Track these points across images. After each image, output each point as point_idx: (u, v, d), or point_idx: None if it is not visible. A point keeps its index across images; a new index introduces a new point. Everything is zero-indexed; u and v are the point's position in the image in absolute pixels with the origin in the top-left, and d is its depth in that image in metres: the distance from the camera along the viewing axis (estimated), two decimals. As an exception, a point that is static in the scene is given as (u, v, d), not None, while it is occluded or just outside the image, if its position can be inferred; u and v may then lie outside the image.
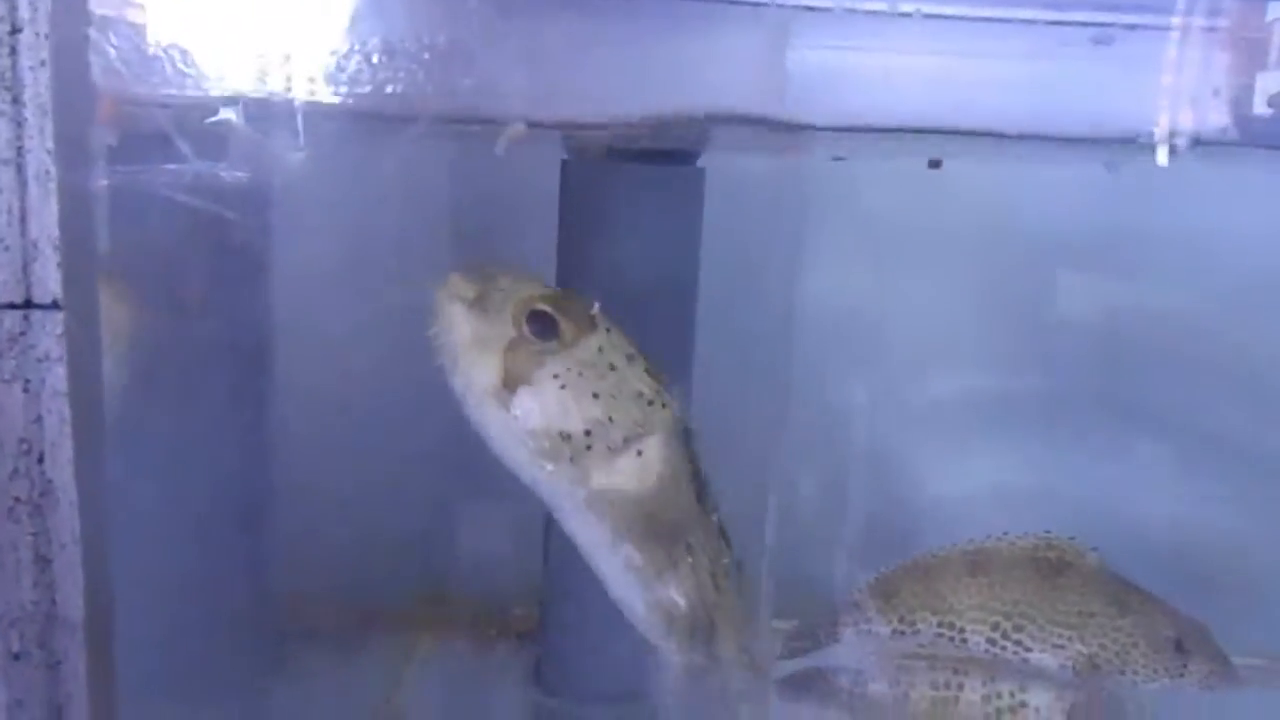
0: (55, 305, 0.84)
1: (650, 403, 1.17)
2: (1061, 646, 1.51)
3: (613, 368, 1.15)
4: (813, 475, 1.88)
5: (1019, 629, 1.53)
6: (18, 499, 0.88)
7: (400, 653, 1.83)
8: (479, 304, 1.12)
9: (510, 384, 1.12)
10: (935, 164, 1.52)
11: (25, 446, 0.87)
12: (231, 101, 1.04)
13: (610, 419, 1.14)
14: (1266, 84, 1.24)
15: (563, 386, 1.13)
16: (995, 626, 1.53)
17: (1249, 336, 1.90)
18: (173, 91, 0.92)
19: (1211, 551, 1.95)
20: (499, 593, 1.91)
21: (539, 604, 1.80)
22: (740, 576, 1.31)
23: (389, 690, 1.75)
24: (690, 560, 1.24)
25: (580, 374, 1.13)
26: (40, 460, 0.87)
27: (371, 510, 1.78)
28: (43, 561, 0.89)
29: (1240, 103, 1.28)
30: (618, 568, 1.23)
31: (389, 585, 1.81)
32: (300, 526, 1.65)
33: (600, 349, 1.15)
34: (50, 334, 0.85)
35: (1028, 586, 1.55)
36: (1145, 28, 1.35)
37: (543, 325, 1.13)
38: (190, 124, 1.03)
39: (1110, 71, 1.34)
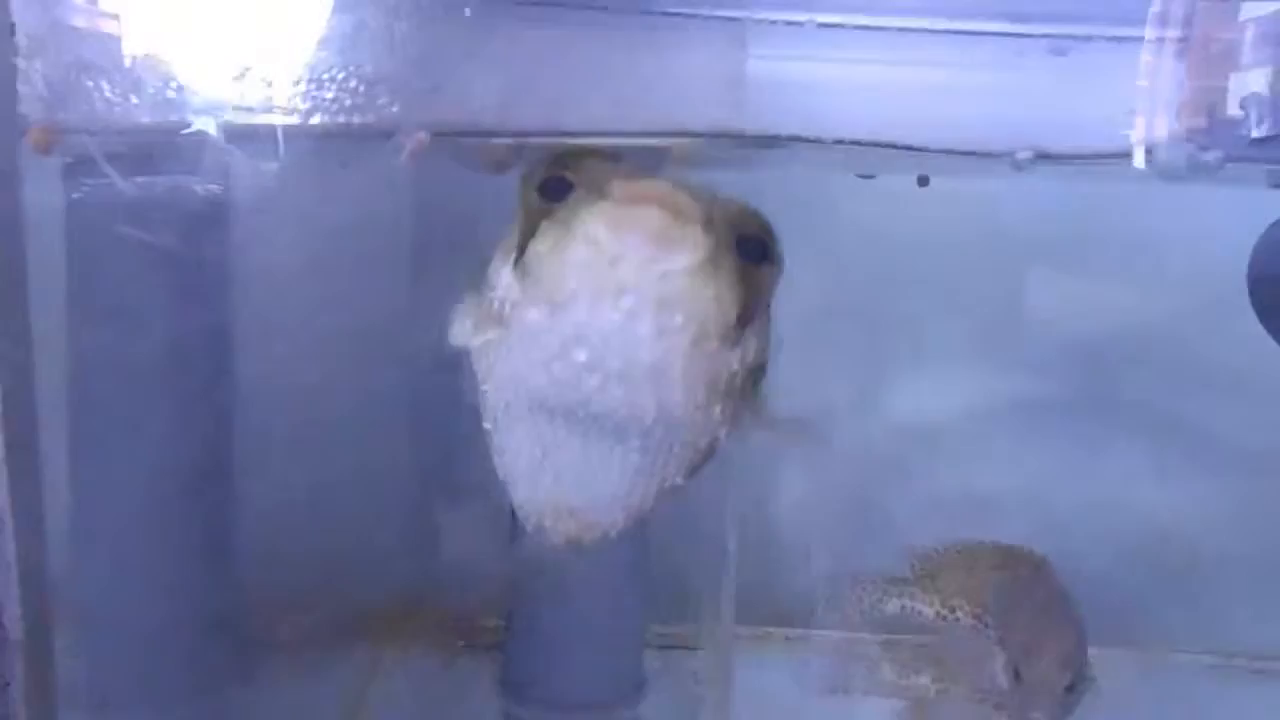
0: (-14, 328, 0.84)
1: None
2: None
3: None
4: (779, 475, 1.90)
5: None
6: (-43, 520, 0.88)
7: (367, 664, 1.83)
8: (709, 227, 0.87)
9: (743, 320, 0.92)
10: (924, 181, 1.50)
11: (-38, 469, 0.87)
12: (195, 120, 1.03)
13: (772, 349, 1.00)
14: (1239, 85, 1.23)
15: (768, 317, 0.97)
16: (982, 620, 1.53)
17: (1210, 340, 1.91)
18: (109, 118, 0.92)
19: (1182, 549, 1.97)
20: (467, 603, 1.92)
21: (505, 614, 1.80)
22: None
23: (355, 702, 1.76)
24: None
25: (773, 298, 0.98)
26: (-20, 481, 0.87)
27: (337, 521, 1.78)
28: (-14, 582, 0.89)
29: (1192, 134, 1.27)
30: (634, 489, 1.05)
31: (356, 595, 1.81)
32: (265, 537, 1.65)
33: None
34: (-17, 356, 0.85)
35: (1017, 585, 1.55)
36: (1101, 39, 1.35)
37: (757, 249, 0.94)
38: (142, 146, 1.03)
39: (1067, 84, 1.35)
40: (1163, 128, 1.27)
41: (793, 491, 1.92)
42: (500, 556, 1.64)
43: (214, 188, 1.14)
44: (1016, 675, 1.45)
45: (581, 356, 0.89)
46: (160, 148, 1.00)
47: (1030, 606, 1.52)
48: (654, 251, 0.85)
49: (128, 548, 1.41)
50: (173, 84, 0.96)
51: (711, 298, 0.88)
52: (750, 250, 0.93)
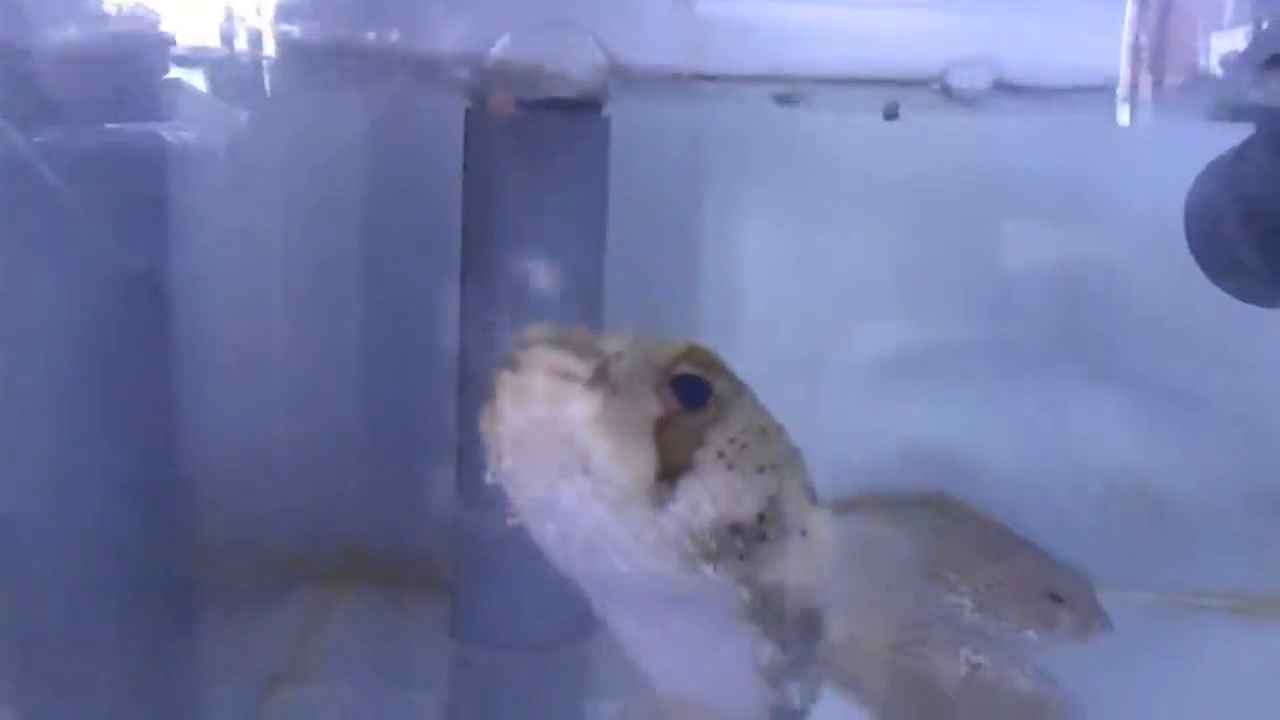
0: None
1: (792, 463, 0.96)
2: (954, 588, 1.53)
3: (764, 431, 0.93)
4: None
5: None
6: None
7: (315, 604, 1.83)
8: (602, 380, 0.84)
9: (670, 475, 0.87)
10: (892, 114, 1.42)
11: None
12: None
13: (779, 493, 0.93)
14: (1220, 44, 1.22)
15: (730, 466, 0.89)
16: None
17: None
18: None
19: (1125, 490, 1.99)
20: (415, 542, 1.91)
21: (453, 553, 1.79)
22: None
23: (301, 642, 1.75)
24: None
25: (744, 445, 0.91)
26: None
27: (284, 459, 1.76)
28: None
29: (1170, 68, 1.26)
30: (743, 671, 1.00)
31: (303, 536, 1.80)
32: (210, 478, 1.63)
33: (751, 408, 0.93)
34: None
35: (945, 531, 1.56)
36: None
37: (694, 390, 0.89)
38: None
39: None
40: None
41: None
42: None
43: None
44: (1056, 599, 1.44)
45: (551, 527, 0.88)
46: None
47: (983, 544, 1.53)
48: (541, 418, 0.83)
49: (53, 488, 1.38)
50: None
51: (611, 454, 0.84)
52: (689, 391, 0.88)
